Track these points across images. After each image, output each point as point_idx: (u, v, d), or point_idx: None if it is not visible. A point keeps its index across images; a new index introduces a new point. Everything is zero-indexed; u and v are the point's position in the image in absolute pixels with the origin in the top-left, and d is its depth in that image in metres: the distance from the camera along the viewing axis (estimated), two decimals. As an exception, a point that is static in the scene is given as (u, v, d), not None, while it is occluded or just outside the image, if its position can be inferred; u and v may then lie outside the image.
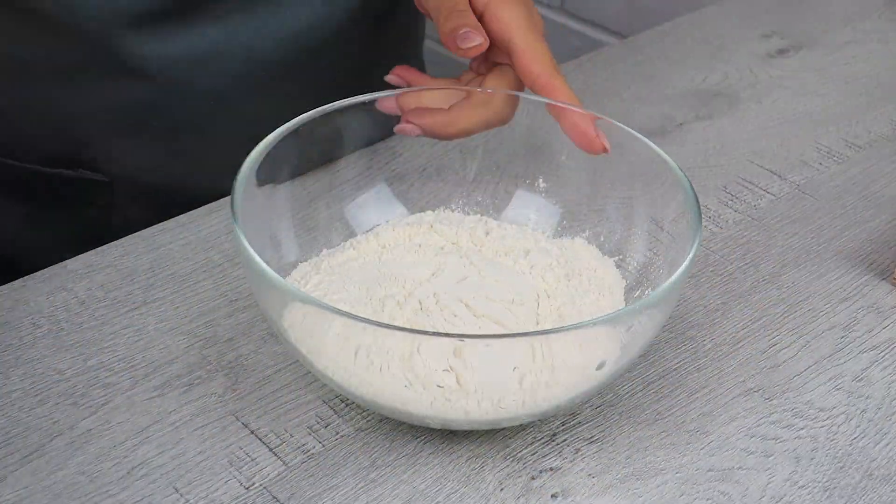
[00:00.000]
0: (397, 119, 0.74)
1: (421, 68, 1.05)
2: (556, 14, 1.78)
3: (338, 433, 0.65)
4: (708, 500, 0.63)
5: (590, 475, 0.63)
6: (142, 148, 0.88)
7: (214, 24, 0.84)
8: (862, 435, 0.67)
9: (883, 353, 0.72)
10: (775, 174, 0.89)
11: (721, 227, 0.83)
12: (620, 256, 0.73)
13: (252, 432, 0.65)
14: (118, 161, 0.88)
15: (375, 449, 0.64)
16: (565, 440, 0.65)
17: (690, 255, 0.63)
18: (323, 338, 0.60)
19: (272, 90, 0.88)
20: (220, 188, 0.85)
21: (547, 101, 0.72)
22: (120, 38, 0.81)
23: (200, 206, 0.82)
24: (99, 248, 0.77)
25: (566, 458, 0.64)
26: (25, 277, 0.74)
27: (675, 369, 0.71)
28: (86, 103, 0.85)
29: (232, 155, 0.82)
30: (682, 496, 0.63)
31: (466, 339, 0.61)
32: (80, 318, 0.71)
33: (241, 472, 0.62)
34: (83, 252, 0.77)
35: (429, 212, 0.76)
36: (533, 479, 0.63)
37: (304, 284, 0.68)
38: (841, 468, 0.65)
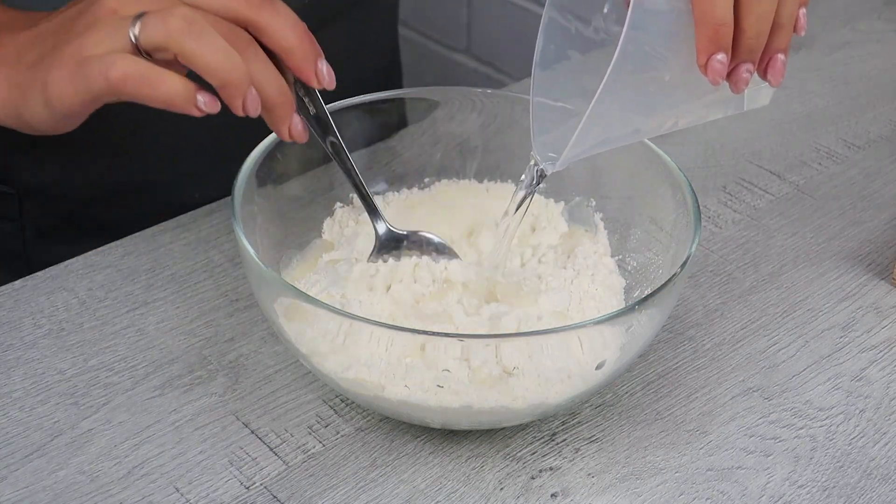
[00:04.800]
0: (398, 121, 0.75)
1: (395, 57, 1.03)
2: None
3: (338, 433, 0.65)
4: (707, 499, 0.63)
5: (589, 475, 0.64)
6: (43, 161, 0.84)
7: None
8: (861, 434, 0.67)
9: (882, 353, 0.72)
10: (775, 174, 0.89)
11: (721, 227, 0.83)
12: (620, 256, 0.73)
13: (252, 432, 0.65)
14: (23, 173, 0.84)
15: (375, 448, 0.64)
16: (565, 440, 0.66)
17: (690, 255, 0.63)
18: (323, 338, 0.61)
19: None
20: (137, 203, 0.83)
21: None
22: None
23: (116, 223, 0.79)
24: (99, 248, 0.77)
25: (566, 457, 0.64)
26: (26, 277, 0.74)
27: (674, 369, 0.71)
28: None
29: (147, 165, 0.79)
30: (681, 495, 0.63)
31: (466, 339, 0.61)
32: (80, 318, 0.71)
33: (241, 472, 0.63)
34: (2, 264, 0.75)
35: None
36: (533, 478, 0.63)
37: (304, 284, 0.68)
38: (840, 468, 0.65)
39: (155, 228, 0.79)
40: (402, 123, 0.77)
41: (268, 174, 0.69)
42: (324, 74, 0.62)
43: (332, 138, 0.66)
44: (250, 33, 0.60)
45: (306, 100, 0.64)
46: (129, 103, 0.65)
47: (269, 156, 0.69)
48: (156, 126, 0.83)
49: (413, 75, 1.10)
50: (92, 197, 0.85)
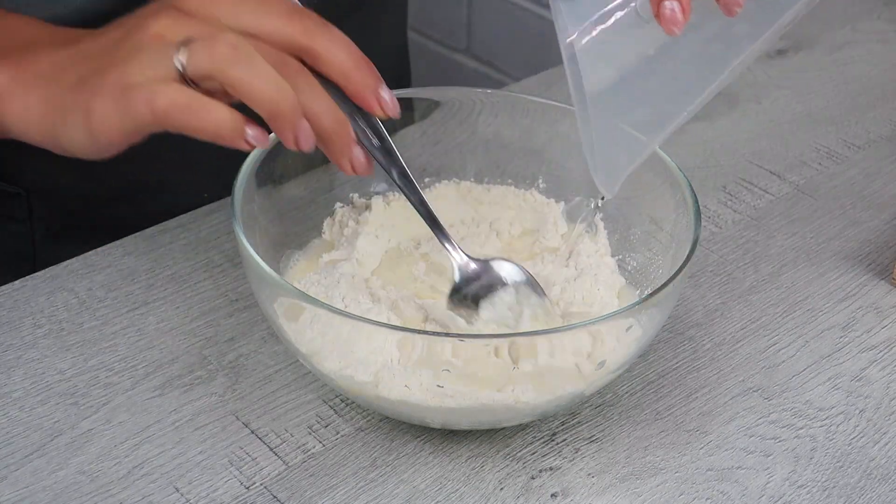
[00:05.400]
0: (398, 121, 0.75)
1: (404, 60, 1.03)
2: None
3: (338, 433, 0.65)
4: (707, 499, 0.63)
5: (589, 475, 0.64)
6: (51, 161, 0.79)
7: None
8: (861, 434, 0.67)
9: (882, 353, 0.72)
10: (774, 174, 0.89)
11: (720, 227, 0.83)
12: (620, 256, 0.73)
13: (252, 432, 0.65)
14: (32, 173, 0.84)
15: (375, 448, 0.64)
16: (565, 440, 0.66)
17: (690, 255, 0.63)
18: (323, 337, 0.61)
19: None
20: (145, 204, 0.83)
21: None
22: None
23: (124, 224, 0.79)
24: (99, 248, 0.77)
25: (566, 457, 0.65)
26: (26, 277, 0.74)
27: (674, 369, 0.71)
28: None
29: (150, 165, 0.78)
30: (681, 496, 0.63)
31: (466, 339, 0.61)
32: (80, 318, 0.71)
33: (241, 472, 0.63)
34: (10, 266, 0.75)
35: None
36: (533, 478, 0.63)
37: (304, 284, 0.68)
38: (840, 468, 0.65)
39: (155, 228, 0.79)
40: (402, 123, 0.77)
41: (268, 174, 0.69)
42: (386, 101, 0.59)
43: (398, 170, 0.62)
44: (304, 62, 0.58)
45: (368, 131, 0.61)
46: None
47: (269, 156, 0.69)
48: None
49: (413, 75, 1.10)
50: (100, 197, 0.85)
